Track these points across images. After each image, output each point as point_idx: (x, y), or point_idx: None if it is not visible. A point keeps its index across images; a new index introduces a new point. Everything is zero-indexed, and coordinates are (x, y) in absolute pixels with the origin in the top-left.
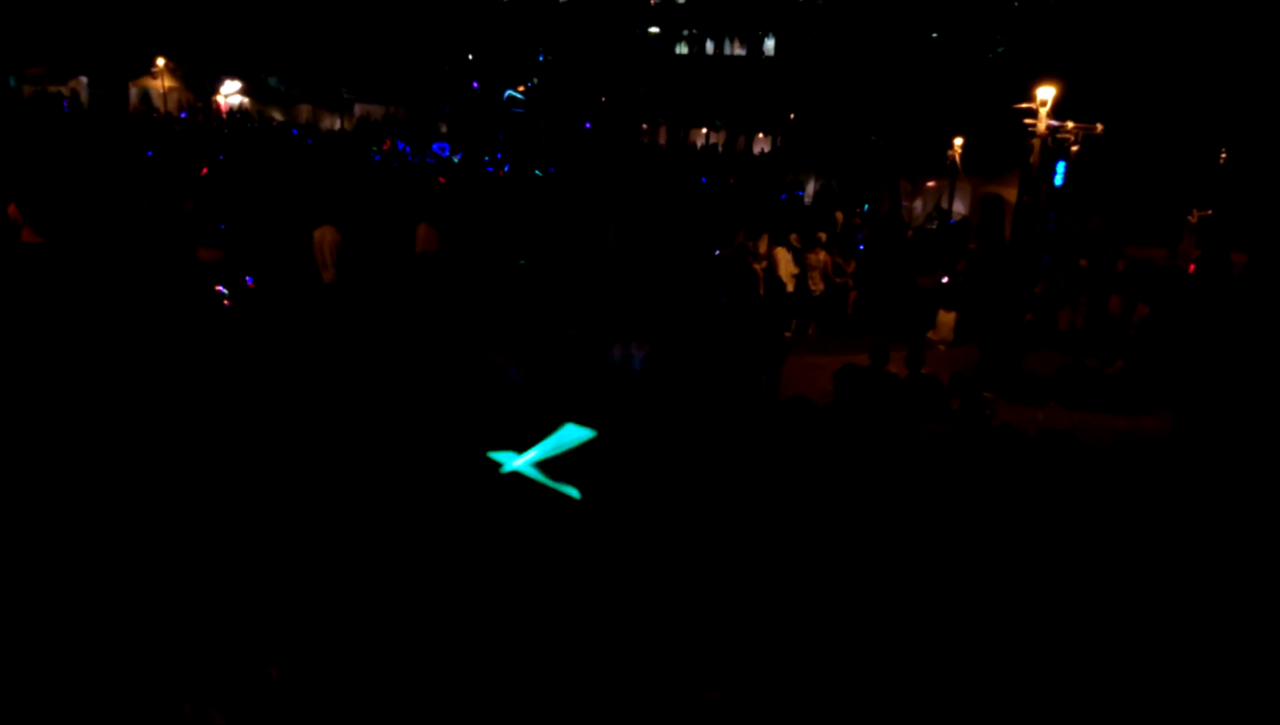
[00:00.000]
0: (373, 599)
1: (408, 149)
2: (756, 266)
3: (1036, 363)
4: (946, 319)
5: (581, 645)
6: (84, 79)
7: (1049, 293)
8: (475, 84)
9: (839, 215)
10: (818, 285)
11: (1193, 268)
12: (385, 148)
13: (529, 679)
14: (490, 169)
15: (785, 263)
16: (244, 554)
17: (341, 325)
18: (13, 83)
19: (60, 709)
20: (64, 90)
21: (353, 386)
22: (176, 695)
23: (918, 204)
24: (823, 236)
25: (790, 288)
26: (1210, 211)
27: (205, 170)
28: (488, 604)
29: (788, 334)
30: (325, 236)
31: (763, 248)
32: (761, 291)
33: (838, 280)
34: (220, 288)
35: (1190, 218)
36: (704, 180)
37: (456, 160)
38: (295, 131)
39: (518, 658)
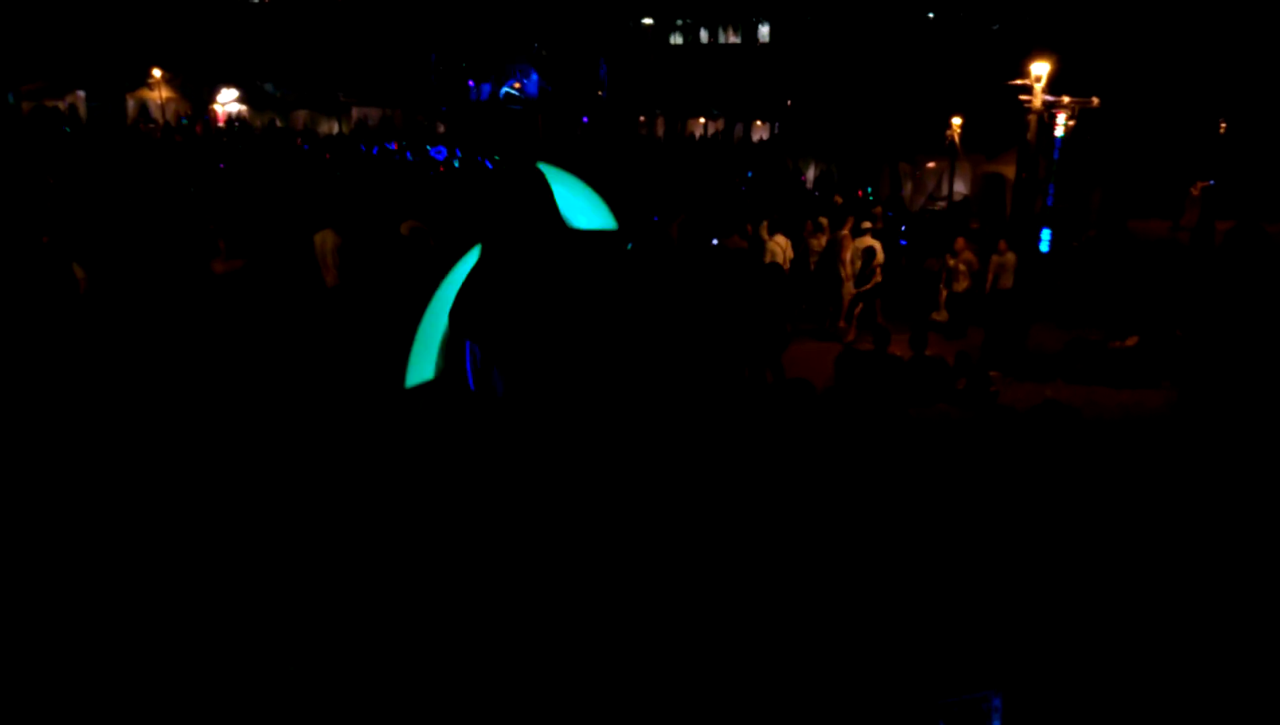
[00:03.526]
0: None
1: (406, 151)
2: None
3: (1041, 338)
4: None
5: (578, 628)
6: (81, 93)
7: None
8: (471, 83)
9: (838, 199)
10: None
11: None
12: (383, 149)
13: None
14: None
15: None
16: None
17: (346, 328)
18: (11, 99)
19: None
20: (61, 105)
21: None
22: None
23: (910, 186)
24: (824, 221)
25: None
26: (1212, 182)
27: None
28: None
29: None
30: (326, 240)
31: (764, 235)
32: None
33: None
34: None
35: (1193, 190)
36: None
37: (457, 161)
38: (297, 139)
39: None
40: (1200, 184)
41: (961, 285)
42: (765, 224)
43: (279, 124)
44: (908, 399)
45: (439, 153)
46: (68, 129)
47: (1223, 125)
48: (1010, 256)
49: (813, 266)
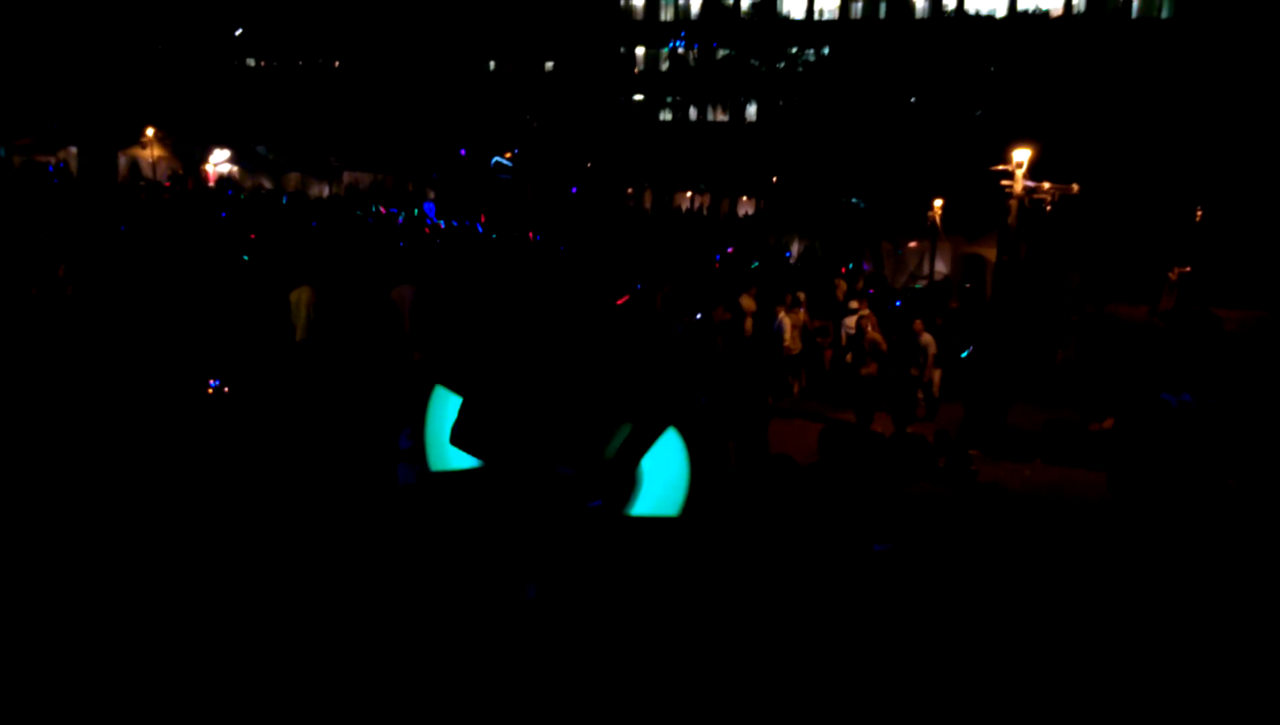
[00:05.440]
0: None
1: (395, 211)
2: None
3: (1021, 417)
4: (932, 377)
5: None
6: (73, 149)
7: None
8: (463, 151)
9: (843, 284)
10: (796, 345)
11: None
12: (379, 212)
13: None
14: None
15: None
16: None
17: (310, 381)
18: (2, 153)
19: None
20: (52, 160)
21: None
22: None
23: (892, 264)
24: (801, 296)
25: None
26: (1189, 268)
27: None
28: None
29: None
30: (302, 297)
31: (748, 305)
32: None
33: (819, 340)
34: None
35: (1170, 275)
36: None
37: (441, 225)
38: (285, 200)
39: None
40: (1177, 270)
41: (869, 367)
42: (745, 297)
43: (267, 186)
44: (889, 476)
45: (430, 209)
46: (56, 181)
47: (1199, 213)
48: (925, 338)
49: (799, 342)
